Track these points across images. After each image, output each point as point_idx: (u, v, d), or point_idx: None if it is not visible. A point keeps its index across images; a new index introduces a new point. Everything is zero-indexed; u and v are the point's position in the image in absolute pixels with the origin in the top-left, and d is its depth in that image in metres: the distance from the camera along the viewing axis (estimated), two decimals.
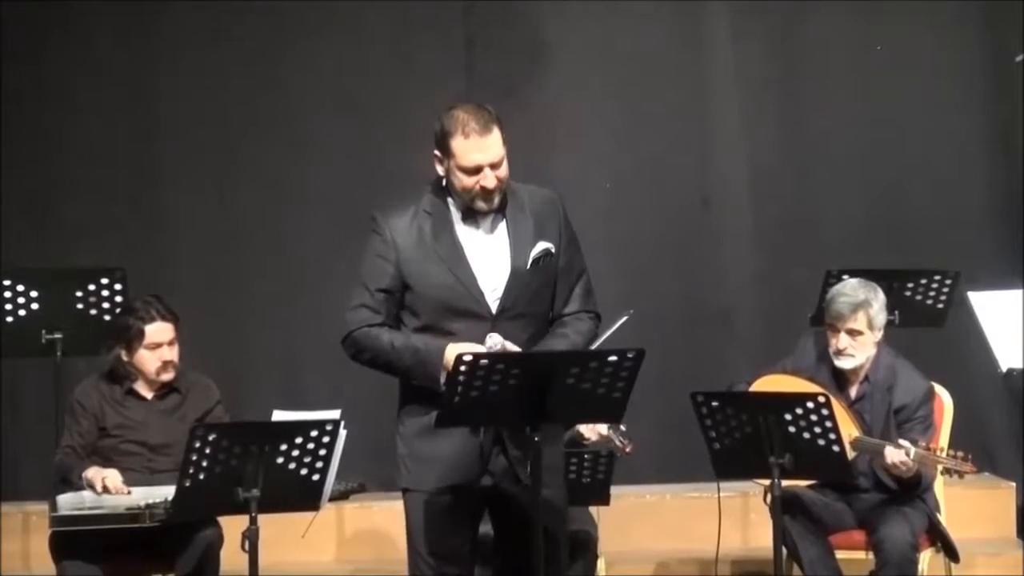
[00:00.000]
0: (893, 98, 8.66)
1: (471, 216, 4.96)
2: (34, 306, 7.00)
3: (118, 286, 7.02)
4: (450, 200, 4.98)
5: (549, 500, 4.90)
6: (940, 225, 8.58)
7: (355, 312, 5.06)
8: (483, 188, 4.89)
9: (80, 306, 7.00)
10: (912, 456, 6.14)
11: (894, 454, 6.15)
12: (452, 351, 4.80)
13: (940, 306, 7.55)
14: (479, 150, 4.87)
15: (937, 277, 7.53)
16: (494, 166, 4.89)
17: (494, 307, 4.92)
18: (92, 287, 7.02)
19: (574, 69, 8.64)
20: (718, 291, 8.67)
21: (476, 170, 4.88)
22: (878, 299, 6.48)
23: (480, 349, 4.80)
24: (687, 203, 8.67)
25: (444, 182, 4.98)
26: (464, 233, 4.97)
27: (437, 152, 4.95)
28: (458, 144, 4.88)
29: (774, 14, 8.66)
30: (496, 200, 4.94)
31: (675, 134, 8.67)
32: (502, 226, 4.99)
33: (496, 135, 4.90)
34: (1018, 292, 6.95)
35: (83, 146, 8.43)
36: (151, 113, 8.48)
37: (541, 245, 4.98)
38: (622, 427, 6.36)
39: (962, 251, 8.28)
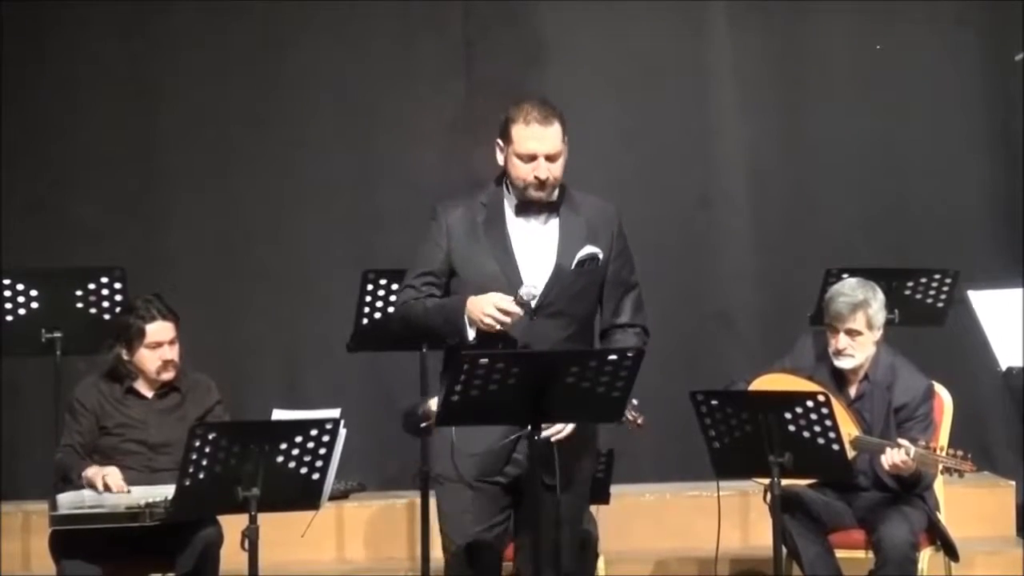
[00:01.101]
0: (893, 98, 8.66)
1: (524, 211, 5.08)
2: (34, 305, 7.00)
3: (118, 285, 7.02)
4: (507, 194, 5.10)
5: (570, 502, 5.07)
6: (940, 225, 8.58)
7: (402, 293, 5.20)
8: (536, 178, 5.01)
9: (80, 305, 7.00)
10: (912, 455, 6.14)
11: (893, 455, 6.15)
12: (473, 302, 4.94)
13: (940, 305, 7.55)
14: (537, 138, 5.02)
15: (937, 276, 7.54)
16: (550, 158, 5.03)
17: (533, 301, 4.99)
18: (92, 286, 7.02)
19: (574, 69, 8.63)
20: (718, 291, 8.67)
21: (531, 158, 5.02)
22: (877, 299, 6.48)
23: (497, 298, 4.88)
24: (687, 203, 8.67)
25: (504, 175, 5.11)
26: (515, 227, 5.10)
27: (499, 140, 5.11)
28: (518, 131, 5.04)
29: (774, 14, 8.66)
30: (550, 193, 5.05)
31: (675, 134, 8.67)
32: (554, 224, 5.11)
33: (556, 129, 5.06)
34: (1018, 291, 6.95)
35: (83, 146, 8.42)
36: (151, 113, 8.48)
37: (589, 249, 5.11)
38: (633, 400, 6.36)
39: (962, 250, 8.28)
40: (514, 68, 8.55)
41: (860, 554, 6.46)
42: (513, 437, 4.99)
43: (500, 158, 5.10)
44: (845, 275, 7.01)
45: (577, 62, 8.64)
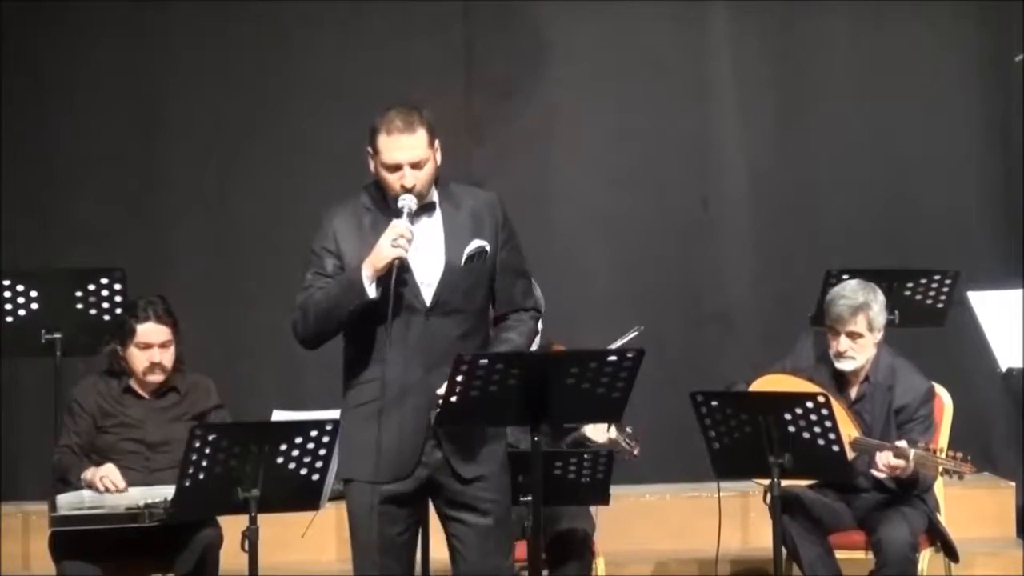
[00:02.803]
0: (893, 98, 8.66)
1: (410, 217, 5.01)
2: (34, 306, 6.99)
3: (117, 286, 7.02)
4: (387, 196, 5.05)
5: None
6: (940, 225, 8.58)
7: (299, 295, 5.16)
8: (403, 187, 4.97)
9: (80, 306, 7.00)
10: (911, 457, 6.14)
11: (887, 456, 6.14)
12: (371, 256, 4.90)
13: (940, 306, 7.54)
14: (400, 148, 4.98)
15: (937, 277, 7.53)
16: (414, 166, 4.98)
17: (428, 301, 5.00)
18: (92, 287, 7.01)
19: (574, 69, 8.64)
20: (718, 291, 8.67)
21: (396, 167, 4.98)
22: (878, 300, 6.48)
23: (389, 231, 4.87)
24: (687, 203, 8.67)
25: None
26: None
27: (369, 148, 5.06)
28: (382, 141, 5.01)
29: (774, 14, 8.66)
30: (421, 197, 5.00)
31: (675, 134, 8.66)
32: (437, 222, 5.07)
33: (420, 136, 5.01)
34: (1018, 292, 6.95)
35: (83, 146, 8.42)
36: (151, 113, 8.48)
37: (476, 243, 5.06)
38: (628, 429, 6.37)
39: (962, 251, 8.28)
40: (514, 68, 8.55)
41: (860, 555, 6.46)
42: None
43: (371, 166, 5.06)
44: (845, 276, 7.02)
45: (577, 62, 8.64)
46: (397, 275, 4.92)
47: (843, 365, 6.45)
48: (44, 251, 8.21)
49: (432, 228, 5.06)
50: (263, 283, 8.45)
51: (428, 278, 5.01)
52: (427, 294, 5.00)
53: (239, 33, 8.51)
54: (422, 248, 5.01)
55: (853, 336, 6.43)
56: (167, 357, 6.37)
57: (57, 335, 6.97)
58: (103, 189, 8.43)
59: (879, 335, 6.48)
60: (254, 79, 8.51)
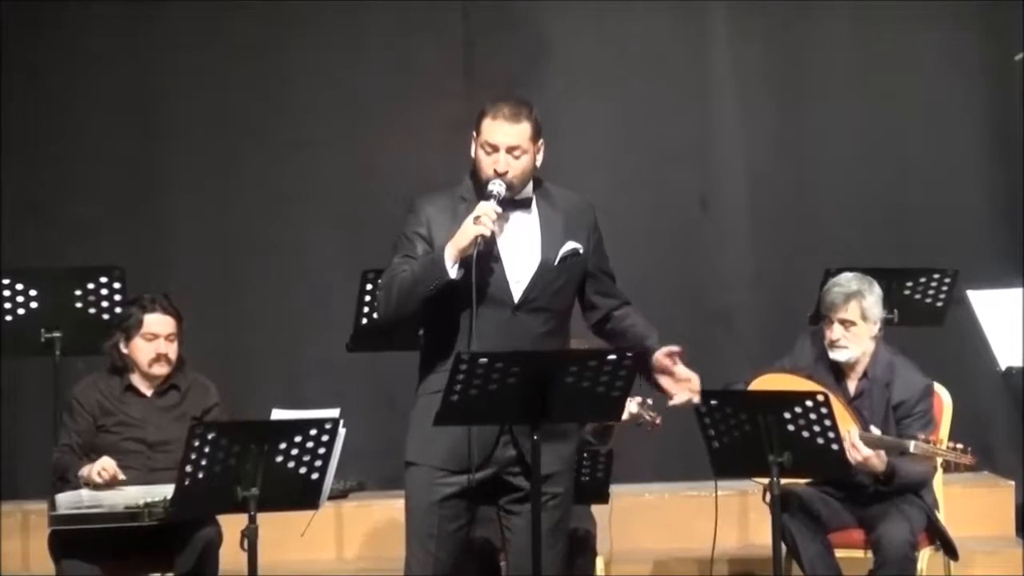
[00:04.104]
0: (893, 98, 8.66)
1: (503, 206, 5.04)
2: (33, 305, 7.00)
3: (117, 285, 7.02)
4: (483, 185, 5.08)
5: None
6: (940, 225, 8.58)
7: (387, 271, 5.15)
8: (495, 171, 5.03)
9: (79, 305, 7.00)
10: (913, 449, 6.15)
11: (854, 452, 6.12)
12: (451, 242, 4.93)
13: (939, 305, 7.55)
14: (501, 132, 5.04)
15: (936, 276, 7.53)
16: (511, 150, 5.04)
17: (517, 297, 5.02)
18: (91, 286, 7.02)
19: (574, 69, 8.64)
20: (718, 291, 8.67)
21: (493, 149, 5.04)
22: (872, 291, 6.49)
23: (467, 225, 4.90)
24: (687, 203, 8.67)
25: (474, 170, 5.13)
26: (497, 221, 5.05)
27: (474, 132, 5.12)
28: (486, 123, 5.07)
29: (774, 14, 8.66)
30: (516, 190, 5.05)
31: (675, 134, 8.67)
32: (533, 220, 5.12)
33: (524, 127, 5.07)
34: (1018, 291, 6.94)
35: (83, 146, 8.43)
36: (151, 113, 8.49)
37: (570, 244, 5.12)
38: (649, 400, 6.38)
39: (962, 250, 8.28)
40: (514, 68, 8.55)
41: (859, 553, 6.46)
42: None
43: (472, 149, 5.13)
44: None
45: (577, 62, 8.65)
46: (485, 264, 4.96)
47: (836, 355, 6.45)
48: (44, 251, 8.21)
49: (528, 225, 5.11)
50: (263, 282, 8.46)
51: (520, 274, 5.06)
52: (516, 290, 5.04)
53: (239, 33, 8.52)
54: (516, 243, 5.07)
55: (846, 324, 6.43)
56: (172, 350, 6.38)
57: (57, 334, 6.97)
58: (103, 189, 8.43)
59: (875, 327, 6.48)
60: (254, 79, 8.52)
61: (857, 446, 6.11)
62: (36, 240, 8.28)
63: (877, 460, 6.17)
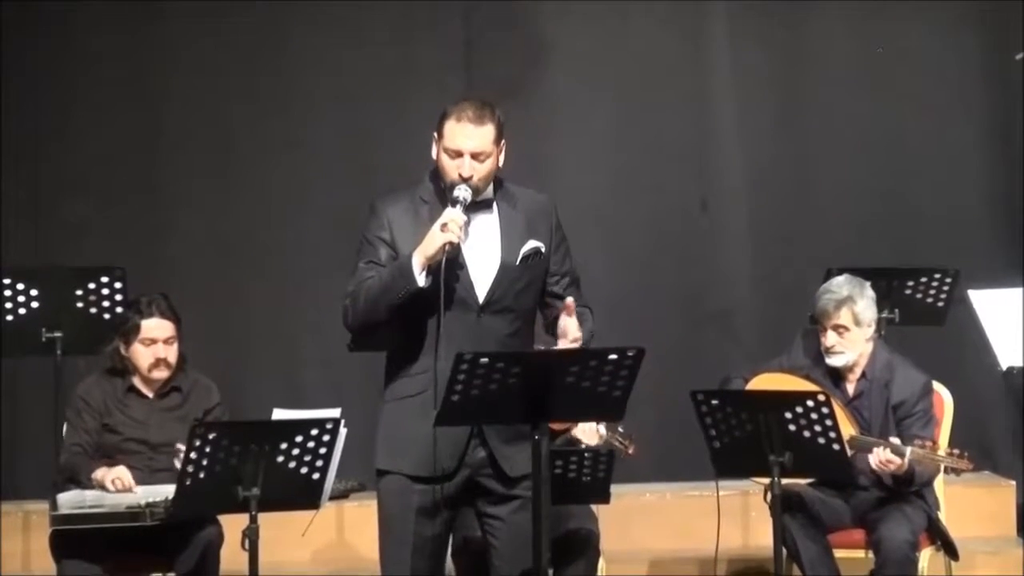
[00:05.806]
0: (893, 98, 8.66)
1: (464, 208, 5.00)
2: (34, 305, 6.98)
3: (118, 285, 7.01)
4: (445, 187, 5.05)
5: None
6: (940, 225, 8.58)
7: (352, 279, 5.13)
8: (459, 175, 4.98)
9: (80, 305, 6.99)
10: (909, 455, 6.15)
11: (880, 453, 6.14)
12: (418, 249, 4.89)
13: (940, 304, 7.54)
14: (465, 136, 4.99)
15: (937, 275, 7.53)
16: (475, 156, 4.99)
17: (481, 298, 5.00)
18: (92, 286, 7.01)
19: (574, 69, 8.64)
20: (717, 291, 8.67)
21: (457, 154, 4.99)
22: (864, 295, 6.49)
23: (434, 232, 4.86)
24: (686, 203, 8.67)
25: (436, 171, 5.08)
26: None
27: (435, 133, 5.07)
28: (449, 126, 5.02)
29: (774, 14, 8.66)
30: (478, 191, 5.00)
31: (674, 134, 8.67)
32: (493, 220, 5.08)
33: (488, 130, 5.02)
34: (1018, 290, 6.95)
35: (83, 146, 8.42)
36: (151, 113, 8.48)
37: (531, 243, 5.07)
38: (619, 428, 6.37)
39: (962, 250, 8.28)
40: (514, 68, 8.55)
41: (860, 554, 6.47)
42: None
43: (434, 151, 5.08)
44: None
45: (577, 62, 8.65)
46: (449, 267, 4.92)
47: (833, 361, 6.46)
48: (44, 251, 8.21)
49: (488, 226, 5.07)
50: (263, 282, 8.46)
51: (482, 275, 5.02)
52: (480, 291, 5.01)
53: (239, 33, 8.51)
54: (477, 245, 5.03)
55: (839, 330, 6.44)
56: (171, 353, 6.38)
57: (57, 334, 6.96)
58: (103, 189, 8.43)
59: (869, 330, 6.48)
60: (254, 79, 8.51)
61: (892, 460, 6.13)
62: (36, 240, 8.27)
63: (902, 462, 6.18)
